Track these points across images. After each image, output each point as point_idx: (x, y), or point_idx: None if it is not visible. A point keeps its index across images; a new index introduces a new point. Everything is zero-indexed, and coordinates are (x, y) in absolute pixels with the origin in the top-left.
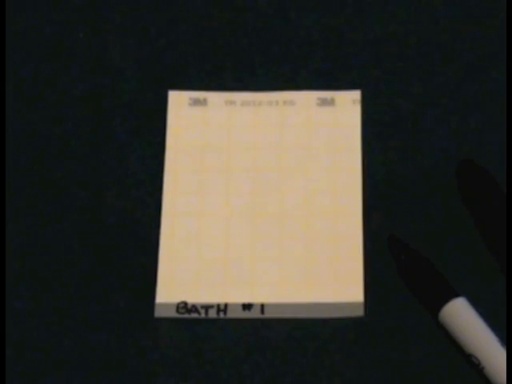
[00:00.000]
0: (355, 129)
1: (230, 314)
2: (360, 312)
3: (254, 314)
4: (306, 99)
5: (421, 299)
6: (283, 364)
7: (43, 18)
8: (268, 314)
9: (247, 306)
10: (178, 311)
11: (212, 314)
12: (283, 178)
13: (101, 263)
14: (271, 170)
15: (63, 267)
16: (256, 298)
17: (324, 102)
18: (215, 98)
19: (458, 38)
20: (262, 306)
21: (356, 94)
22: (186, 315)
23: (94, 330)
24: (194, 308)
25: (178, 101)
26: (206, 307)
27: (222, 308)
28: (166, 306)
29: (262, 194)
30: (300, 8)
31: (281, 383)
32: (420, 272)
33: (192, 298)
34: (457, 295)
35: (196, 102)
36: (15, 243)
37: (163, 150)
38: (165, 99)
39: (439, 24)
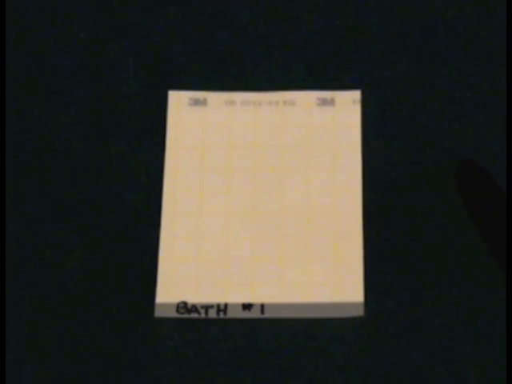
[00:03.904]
0: (355, 129)
1: (230, 314)
2: (360, 312)
3: (254, 313)
4: (306, 99)
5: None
6: (283, 364)
7: (43, 17)
8: (268, 314)
9: (247, 306)
10: (178, 311)
11: (212, 314)
12: (283, 178)
13: (101, 263)
14: (271, 170)
15: (63, 267)
16: (256, 298)
17: (324, 102)
18: (215, 98)
19: (459, 38)
20: (262, 306)
21: (356, 94)
22: (186, 315)
23: (94, 330)
24: (194, 308)
25: (178, 101)
26: (206, 307)
27: (222, 308)
28: (165, 306)
29: (262, 193)
30: (300, 8)
31: (281, 383)
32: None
33: (192, 298)
34: None
35: (196, 102)
36: (15, 243)
37: (163, 150)
38: (165, 99)
39: (439, 24)
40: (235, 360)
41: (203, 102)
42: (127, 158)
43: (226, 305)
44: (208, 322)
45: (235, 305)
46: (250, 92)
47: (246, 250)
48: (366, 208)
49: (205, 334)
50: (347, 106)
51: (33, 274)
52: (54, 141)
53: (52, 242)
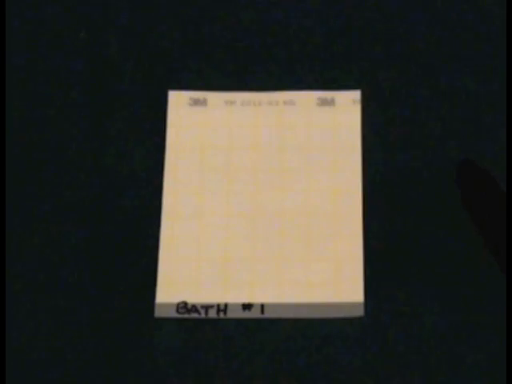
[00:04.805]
0: (355, 129)
1: (230, 314)
2: (360, 312)
3: (254, 314)
4: (306, 99)
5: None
6: (283, 364)
7: (43, 17)
8: (268, 314)
9: (247, 306)
10: (178, 311)
11: (212, 314)
12: (283, 178)
13: (101, 263)
14: (271, 170)
15: (63, 267)
16: (256, 298)
17: (324, 102)
18: (215, 97)
19: (459, 38)
20: (262, 306)
21: (356, 94)
22: (186, 315)
23: (94, 330)
24: (194, 308)
25: (177, 101)
26: (206, 307)
27: (222, 308)
28: (165, 305)
29: (262, 194)
30: (300, 8)
31: (281, 383)
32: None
33: (192, 298)
34: None
35: (196, 102)
36: (15, 243)
37: (163, 150)
38: (165, 99)
39: (439, 24)
40: (235, 360)
41: (203, 102)
42: (127, 157)
43: (226, 305)
44: (208, 321)
45: (235, 305)
46: (250, 92)
47: (246, 250)
48: (365, 208)
49: (205, 334)
50: (347, 106)
51: (33, 274)
52: (53, 141)
53: (52, 241)
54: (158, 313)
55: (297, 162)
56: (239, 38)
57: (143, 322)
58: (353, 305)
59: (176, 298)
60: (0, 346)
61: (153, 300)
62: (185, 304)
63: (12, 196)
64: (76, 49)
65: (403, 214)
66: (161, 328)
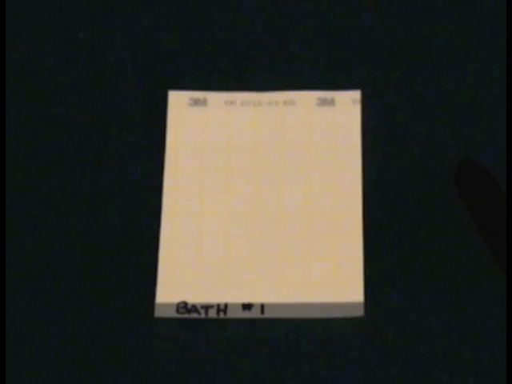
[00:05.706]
0: (355, 129)
1: (230, 314)
2: (360, 312)
3: (254, 314)
4: (306, 99)
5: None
6: (283, 364)
7: (43, 17)
8: (268, 314)
9: (247, 306)
10: (178, 311)
11: (212, 314)
12: (283, 178)
13: (101, 263)
14: (271, 170)
15: (63, 267)
16: (256, 298)
17: (324, 102)
18: (215, 98)
19: (458, 39)
20: (262, 306)
21: (356, 94)
22: (186, 315)
23: (94, 330)
24: (194, 308)
25: (177, 101)
26: (206, 307)
27: (222, 308)
28: (165, 305)
29: (262, 193)
30: (300, 8)
31: (280, 383)
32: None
33: (192, 298)
34: None
35: (196, 102)
36: (15, 243)
37: (163, 150)
38: (165, 99)
39: (439, 24)
40: (235, 360)
41: (203, 102)
42: (127, 157)
43: (226, 305)
44: (208, 321)
45: (235, 305)
46: (250, 92)
47: (245, 250)
48: (365, 208)
49: (205, 334)
50: (347, 106)
51: (32, 274)
52: (53, 141)
53: (51, 241)
54: (157, 313)
55: (297, 162)
56: (239, 38)
57: (143, 322)
58: (353, 305)
59: (176, 298)
60: (0, 346)
61: (153, 300)
62: (185, 304)
63: (12, 196)
64: (75, 49)
65: (403, 213)
66: (161, 328)
